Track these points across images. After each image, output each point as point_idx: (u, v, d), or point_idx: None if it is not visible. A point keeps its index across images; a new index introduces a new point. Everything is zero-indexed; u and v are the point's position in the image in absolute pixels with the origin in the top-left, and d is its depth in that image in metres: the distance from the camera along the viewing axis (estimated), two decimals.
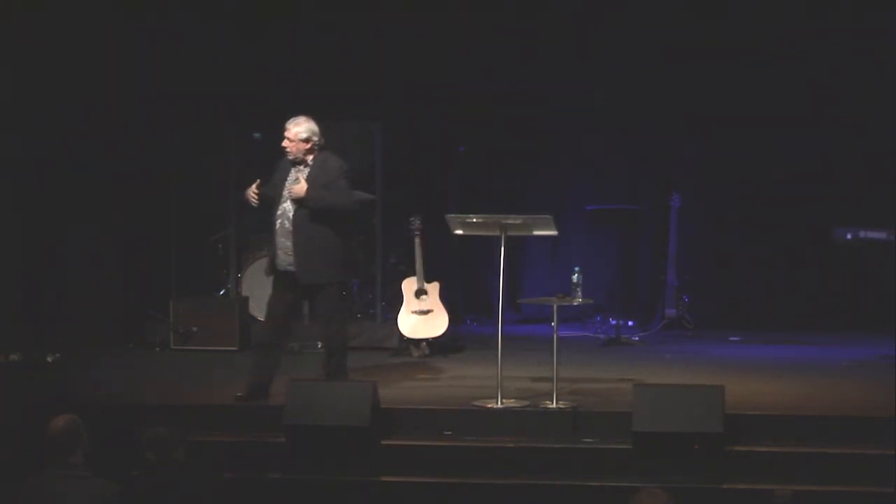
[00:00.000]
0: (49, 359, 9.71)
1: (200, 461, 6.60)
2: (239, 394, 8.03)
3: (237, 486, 7.13)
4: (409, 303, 10.21)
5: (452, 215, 8.35)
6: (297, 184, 8.02)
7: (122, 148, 11.00)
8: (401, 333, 10.23)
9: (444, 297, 10.30)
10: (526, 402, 7.93)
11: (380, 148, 11.02)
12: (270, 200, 8.13)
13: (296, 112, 11.08)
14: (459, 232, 8.37)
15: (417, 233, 10.27)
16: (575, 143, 12.05)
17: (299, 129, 8.12)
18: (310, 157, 8.13)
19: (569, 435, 7.54)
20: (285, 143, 8.13)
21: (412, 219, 10.34)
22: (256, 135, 11.00)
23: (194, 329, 10.32)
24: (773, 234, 11.72)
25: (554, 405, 7.78)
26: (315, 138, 8.14)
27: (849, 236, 9.96)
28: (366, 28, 11.52)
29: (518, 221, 8.14)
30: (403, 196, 11.29)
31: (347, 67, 11.59)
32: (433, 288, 10.25)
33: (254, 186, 8.10)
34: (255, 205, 8.13)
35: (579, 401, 7.95)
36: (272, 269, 8.21)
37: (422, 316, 10.19)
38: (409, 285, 10.27)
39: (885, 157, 11.19)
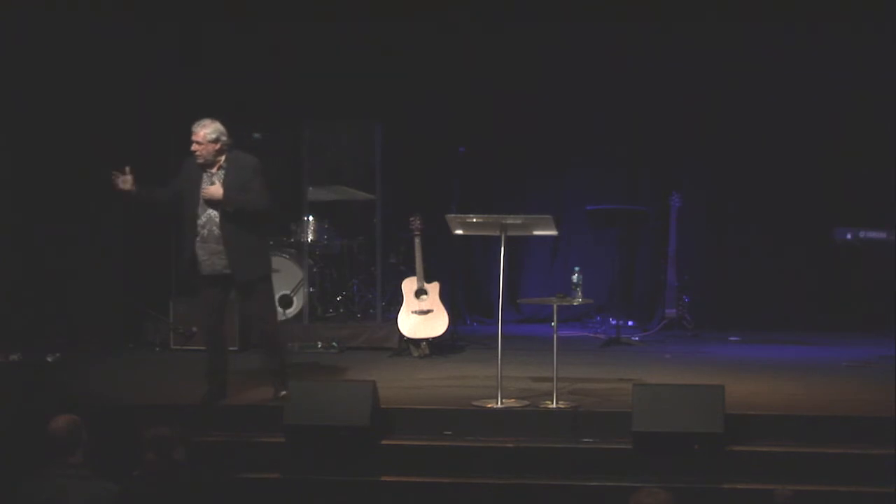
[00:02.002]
0: (49, 359, 9.72)
1: (200, 461, 6.60)
2: (204, 398, 8.05)
3: (237, 486, 7.14)
4: (409, 303, 10.22)
5: (452, 215, 8.35)
6: (213, 186, 7.88)
7: (122, 147, 10.99)
8: (401, 333, 10.24)
9: (444, 297, 10.30)
10: (526, 402, 7.93)
11: (380, 148, 11.02)
12: (179, 193, 8.01)
13: (295, 112, 11.17)
14: (459, 232, 8.37)
15: (417, 233, 10.27)
16: (575, 143, 12.06)
17: (208, 131, 7.91)
18: (221, 159, 7.96)
19: (569, 435, 7.54)
20: (194, 146, 7.91)
21: (412, 219, 10.34)
22: (256, 135, 11.00)
23: (194, 329, 10.33)
24: (773, 235, 11.72)
25: (554, 405, 7.78)
26: (224, 138, 7.95)
27: (849, 236, 9.96)
28: (366, 28, 11.53)
29: (518, 221, 8.14)
30: (403, 196, 11.29)
31: (347, 67, 11.60)
32: (433, 288, 10.25)
33: (126, 173, 7.90)
34: (127, 188, 7.90)
35: (579, 401, 7.95)
36: (196, 274, 8.00)
37: (422, 316, 10.19)
38: (409, 285, 10.28)
39: (885, 157, 11.19)
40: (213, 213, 7.93)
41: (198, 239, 7.95)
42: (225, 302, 8.22)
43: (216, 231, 7.93)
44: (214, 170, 7.98)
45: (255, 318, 8.18)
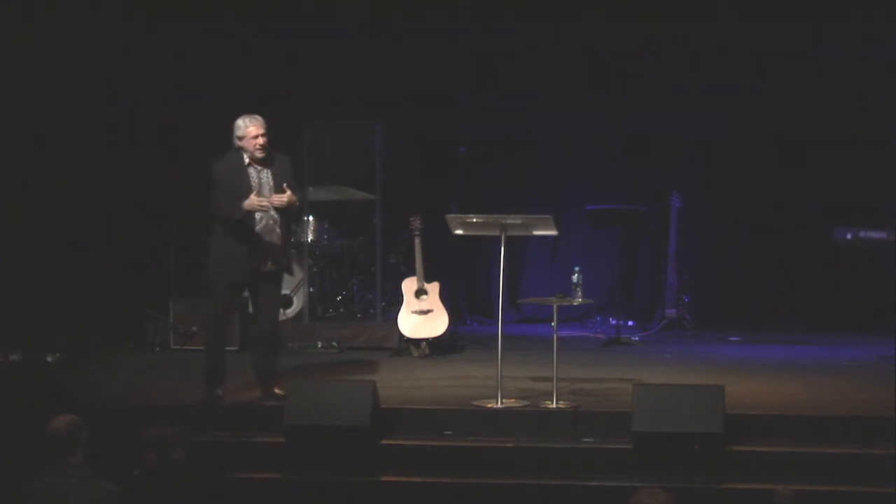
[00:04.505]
0: (49, 359, 9.73)
1: (200, 461, 6.60)
2: (220, 392, 8.09)
3: (237, 486, 7.14)
4: (409, 303, 10.22)
5: (452, 215, 8.35)
6: (281, 191, 7.90)
7: (122, 148, 11.00)
8: (401, 333, 10.24)
9: (444, 297, 10.30)
10: (526, 402, 7.93)
11: (380, 148, 11.02)
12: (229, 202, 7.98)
13: (295, 112, 11.16)
14: (459, 232, 8.37)
15: (417, 233, 10.28)
16: (575, 143, 12.06)
17: (263, 123, 8.01)
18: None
19: (569, 435, 7.54)
20: (263, 140, 7.95)
21: (412, 219, 10.34)
22: None
23: (194, 329, 10.32)
24: (773, 234, 11.72)
25: (554, 405, 7.78)
26: None
27: (849, 236, 9.96)
28: (366, 28, 11.53)
29: (518, 221, 8.14)
30: (403, 196, 11.29)
31: (347, 67, 11.60)
32: (433, 288, 10.25)
33: (257, 199, 7.91)
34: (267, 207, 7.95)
35: (579, 401, 7.95)
36: (249, 270, 7.97)
37: (422, 316, 10.19)
38: (409, 285, 10.28)
39: (885, 157, 11.20)
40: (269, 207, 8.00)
41: (257, 230, 7.97)
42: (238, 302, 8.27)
43: (272, 224, 8.01)
44: (262, 166, 8.02)
45: (272, 312, 8.22)
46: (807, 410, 7.84)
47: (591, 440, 7.48)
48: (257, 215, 8.00)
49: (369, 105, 11.42)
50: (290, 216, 8.16)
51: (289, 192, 7.95)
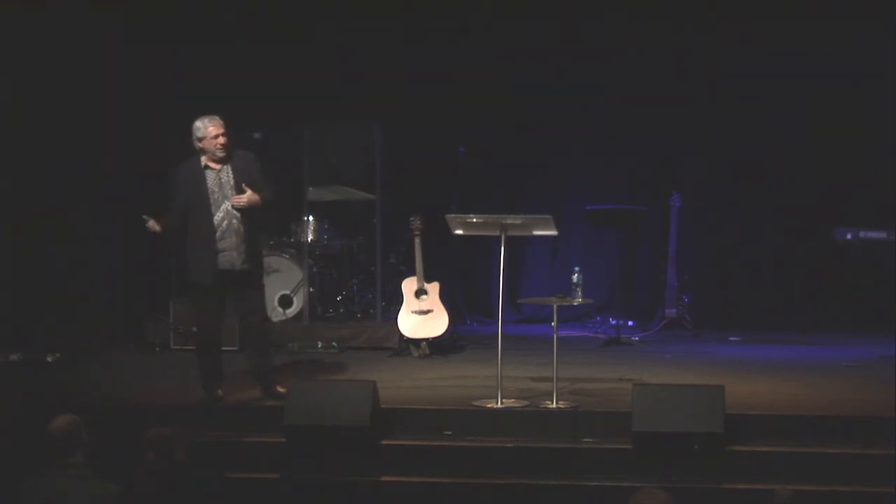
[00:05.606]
0: (49, 359, 9.73)
1: (200, 461, 6.61)
2: (220, 392, 8.09)
3: (237, 486, 7.14)
4: (409, 303, 10.22)
5: (452, 215, 8.34)
6: (241, 191, 7.87)
7: (122, 148, 11.01)
8: (401, 333, 10.24)
9: (444, 297, 10.30)
10: (526, 402, 7.93)
11: (380, 148, 11.02)
12: (186, 209, 7.95)
13: (295, 112, 11.17)
14: (459, 232, 8.36)
15: (417, 233, 10.28)
16: (575, 143, 12.06)
17: (222, 122, 7.96)
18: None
19: (569, 435, 7.54)
20: (225, 139, 7.91)
21: (412, 219, 10.34)
22: (256, 135, 11.01)
23: (194, 329, 10.31)
24: (773, 235, 11.72)
25: (554, 405, 7.78)
26: None
27: (849, 236, 9.96)
28: (366, 28, 11.53)
29: (518, 221, 8.14)
30: (403, 196, 11.29)
31: (347, 67, 11.60)
32: (433, 288, 10.25)
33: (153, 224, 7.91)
34: (158, 230, 7.92)
35: (579, 401, 7.95)
36: (208, 274, 7.95)
37: (422, 316, 10.19)
38: (409, 285, 10.28)
39: (885, 157, 11.20)
40: (230, 207, 7.94)
41: (216, 235, 7.92)
42: (226, 302, 8.22)
43: (235, 224, 7.95)
44: (221, 166, 7.97)
45: (258, 313, 8.19)
46: (807, 410, 7.83)
47: (591, 440, 7.48)
48: (217, 216, 7.92)
49: (369, 105, 11.42)
50: (254, 215, 8.01)
51: (248, 192, 7.88)
